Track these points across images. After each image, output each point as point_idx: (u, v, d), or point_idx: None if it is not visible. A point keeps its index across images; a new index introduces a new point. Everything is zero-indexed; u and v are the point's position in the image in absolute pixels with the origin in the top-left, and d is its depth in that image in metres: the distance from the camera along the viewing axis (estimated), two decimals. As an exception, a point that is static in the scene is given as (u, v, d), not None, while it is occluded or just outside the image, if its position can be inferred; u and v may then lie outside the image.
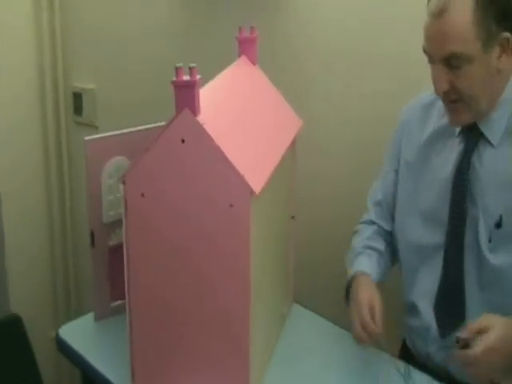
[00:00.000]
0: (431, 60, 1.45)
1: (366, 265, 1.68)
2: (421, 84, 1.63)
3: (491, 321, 1.34)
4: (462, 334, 1.34)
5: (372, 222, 1.78)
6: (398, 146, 1.69)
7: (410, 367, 1.57)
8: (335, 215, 2.09)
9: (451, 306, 1.54)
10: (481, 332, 1.32)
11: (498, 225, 1.46)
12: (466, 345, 1.33)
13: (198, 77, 1.35)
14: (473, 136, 1.51)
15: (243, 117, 1.56)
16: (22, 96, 2.44)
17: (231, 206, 1.39)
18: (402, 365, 1.58)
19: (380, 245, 1.73)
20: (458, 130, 1.55)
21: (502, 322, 1.33)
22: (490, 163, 1.49)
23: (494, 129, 1.48)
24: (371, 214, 1.78)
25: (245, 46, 1.73)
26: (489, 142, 1.49)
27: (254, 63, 1.75)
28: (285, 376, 1.63)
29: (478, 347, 1.30)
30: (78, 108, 2.53)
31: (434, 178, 1.59)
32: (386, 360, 1.61)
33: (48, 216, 2.59)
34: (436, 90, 1.46)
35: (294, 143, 1.74)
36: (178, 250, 1.45)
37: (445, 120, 1.58)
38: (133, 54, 2.36)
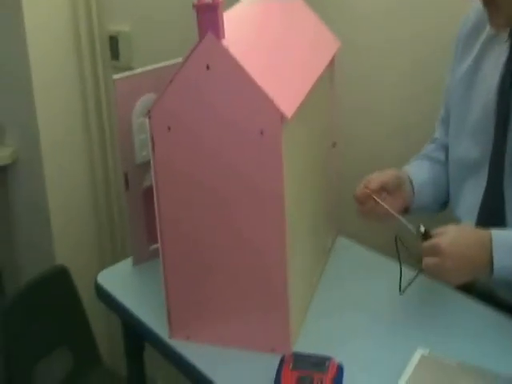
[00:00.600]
0: None
1: (411, 167, 1.66)
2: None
3: (448, 226, 1.38)
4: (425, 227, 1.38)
5: (435, 139, 1.73)
6: (455, 58, 1.62)
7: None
8: (383, 145, 1.97)
9: (493, 221, 1.46)
10: (439, 234, 1.36)
11: None
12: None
13: (221, -2, 1.25)
14: None
15: (273, 39, 1.46)
16: (58, 43, 2.38)
17: (262, 133, 1.29)
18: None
19: (439, 155, 1.68)
20: (505, 35, 1.45)
21: (456, 228, 1.39)
22: None
23: None
24: (436, 132, 1.72)
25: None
26: None
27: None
28: (327, 317, 1.55)
29: (432, 241, 1.35)
30: (114, 52, 2.45)
31: (483, 87, 1.50)
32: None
33: (90, 163, 2.54)
34: None
35: (332, 65, 1.64)
36: (207, 186, 1.37)
37: None
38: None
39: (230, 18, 1.33)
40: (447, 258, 1.33)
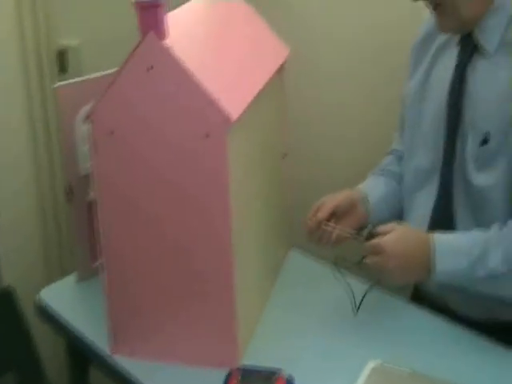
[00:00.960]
0: None
1: (366, 184, 1.63)
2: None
3: (393, 226, 1.37)
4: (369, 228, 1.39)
5: (393, 150, 1.70)
6: (409, 69, 1.61)
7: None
8: (338, 152, 1.94)
9: (442, 229, 1.44)
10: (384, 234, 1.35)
11: (485, 141, 1.36)
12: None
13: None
14: (468, 45, 1.41)
15: (219, 42, 1.43)
16: (3, 57, 2.31)
17: (206, 136, 1.25)
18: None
19: (395, 168, 1.66)
20: (455, 42, 1.44)
21: (401, 229, 1.38)
22: (483, 75, 1.39)
23: (488, 37, 1.37)
24: (393, 143, 1.71)
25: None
26: (484, 53, 1.37)
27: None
28: (278, 329, 1.50)
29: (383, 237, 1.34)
30: (63, 67, 2.39)
31: (434, 96, 1.48)
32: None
33: (36, 177, 2.45)
34: None
35: (281, 73, 1.60)
36: (150, 193, 1.32)
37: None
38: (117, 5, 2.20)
39: (175, 20, 1.29)
40: (390, 257, 1.32)
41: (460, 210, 1.44)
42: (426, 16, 1.53)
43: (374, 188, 1.61)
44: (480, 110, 1.37)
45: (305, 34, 1.87)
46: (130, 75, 1.27)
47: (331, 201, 1.51)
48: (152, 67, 1.25)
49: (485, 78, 1.37)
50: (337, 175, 1.91)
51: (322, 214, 1.48)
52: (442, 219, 1.48)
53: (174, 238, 1.33)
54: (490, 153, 1.35)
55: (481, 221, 1.40)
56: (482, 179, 1.37)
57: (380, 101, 1.86)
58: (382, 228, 1.38)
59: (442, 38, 1.49)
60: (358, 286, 1.51)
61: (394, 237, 1.34)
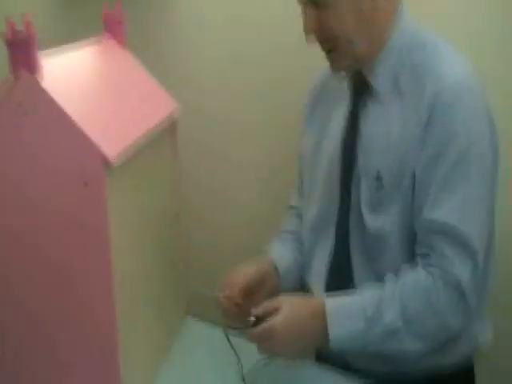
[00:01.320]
0: (300, 3, 1.33)
1: (273, 252, 1.55)
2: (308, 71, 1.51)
3: (280, 301, 1.29)
4: (257, 310, 1.29)
5: (291, 207, 1.65)
6: (304, 124, 1.58)
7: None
8: (235, 212, 1.87)
9: (341, 282, 1.40)
10: (272, 313, 1.27)
11: (376, 182, 1.32)
12: (259, 321, 1.28)
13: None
14: (360, 92, 1.39)
15: (100, 87, 1.34)
16: None
17: (85, 184, 1.15)
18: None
19: (296, 227, 1.60)
20: (347, 89, 1.40)
21: (288, 302, 1.29)
22: (375, 117, 1.35)
23: (380, 79, 1.34)
24: (291, 199, 1.66)
25: (109, 25, 1.53)
26: (376, 99, 1.35)
27: (121, 44, 1.54)
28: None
29: (263, 326, 1.26)
30: None
31: (328, 146, 1.45)
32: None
33: None
34: (306, 32, 1.32)
35: (172, 127, 1.53)
36: (29, 246, 1.21)
37: (336, 84, 1.46)
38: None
39: (51, 62, 1.21)
40: (281, 339, 1.25)
41: (356, 259, 1.39)
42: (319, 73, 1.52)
43: (281, 257, 1.54)
44: (372, 152, 1.34)
45: (195, 89, 1.81)
46: (2, 118, 1.17)
47: (240, 277, 1.43)
48: (25, 107, 1.16)
49: (377, 121, 1.34)
50: (233, 236, 1.83)
51: (232, 291, 1.40)
52: (340, 272, 1.43)
53: (61, 296, 1.22)
54: (383, 195, 1.31)
55: (377, 268, 1.35)
56: (376, 222, 1.33)
57: (277, 155, 1.81)
58: (268, 307, 1.29)
59: (335, 91, 1.47)
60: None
61: (282, 316, 1.26)
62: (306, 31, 1.32)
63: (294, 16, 1.62)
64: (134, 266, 1.30)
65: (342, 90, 1.44)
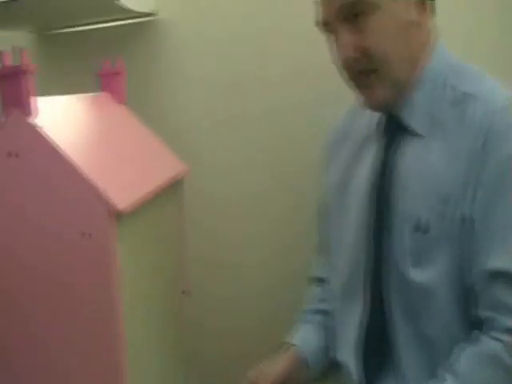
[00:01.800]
0: (331, 28, 1.16)
1: (298, 340, 1.33)
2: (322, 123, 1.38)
3: None
4: None
5: (314, 279, 1.43)
6: (323, 174, 1.39)
7: None
8: (247, 293, 1.69)
9: (379, 351, 1.19)
10: None
11: (419, 232, 1.13)
12: None
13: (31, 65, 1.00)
14: (392, 128, 1.21)
15: (102, 142, 1.19)
16: None
17: (83, 234, 0.98)
18: None
19: (321, 304, 1.38)
20: (377, 126, 1.24)
21: None
22: (412, 159, 1.16)
23: (416, 116, 1.16)
24: (313, 268, 1.44)
25: (108, 81, 1.39)
26: (412, 134, 1.17)
27: (120, 101, 1.40)
28: None
29: None
30: None
31: (356, 187, 1.25)
32: None
33: None
34: (344, 62, 1.16)
35: (178, 189, 1.38)
36: (25, 305, 1.03)
37: (365, 124, 1.27)
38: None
39: (51, 108, 1.07)
40: None
41: (396, 322, 1.17)
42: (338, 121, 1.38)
43: (308, 346, 1.34)
44: (411, 195, 1.15)
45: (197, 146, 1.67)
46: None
47: (269, 376, 1.25)
48: (16, 152, 1.00)
49: (414, 158, 1.15)
50: (244, 314, 1.65)
51: None
52: (376, 338, 1.21)
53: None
54: (427, 245, 1.13)
55: (422, 331, 1.14)
56: (419, 277, 1.13)
57: (292, 225, 1.64)
58: None
59: (359, 133, 1.31)
60: None
61: None
62: (344, 61, 1.16)
63: (304, 70, 1.53)
64: (141, 340, 1.11)
65: (372, 127, 1.28)
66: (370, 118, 1.27)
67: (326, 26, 1.17)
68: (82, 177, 0.97)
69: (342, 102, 1.34)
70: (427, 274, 1.12)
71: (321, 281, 1.43)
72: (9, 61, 0.99)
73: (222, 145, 1.64)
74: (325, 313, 1.38)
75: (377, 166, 1.21)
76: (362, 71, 1.15)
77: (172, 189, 1.33)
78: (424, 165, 1.14)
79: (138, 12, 1.57)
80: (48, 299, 1.01)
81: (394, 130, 1.20)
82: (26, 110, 0.99)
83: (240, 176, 1.64)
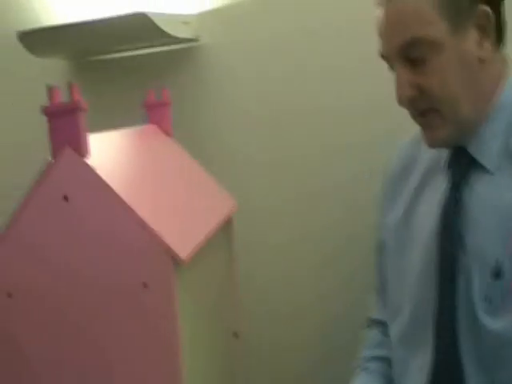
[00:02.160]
0: (390, 64, 1.08)
1: None
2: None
3: None
4: None
5: (373, 322, 1.33)
6: (382, 212, 1.28)
7: None
8: (300, 332, 1.59)
9: None
10: None
11: (497, 275, 1.03)
12: None
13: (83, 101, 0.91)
14: (461, 163, 1.11)
15: (157, 180, 1.11)
16: None
17: (145, 285, 0.89)
18: None
19: (380, 350, 1.28)
20: (444, 160, 1.14)
21: None
22: (484, 196, 1.07)
23: (486, 149, 1.07)
24: (372, 311, 1.34)
25: (154, 112, 1.31)
26: (483, 169, 1.08)
27: (167, 133, 1.32)
28: None
29: None
30: None
31: (421, 231, 1.16)
32: None
33: None
34: (399, 101, 1.07)
35: (228, 227, 1.29)
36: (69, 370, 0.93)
37: (430, 156, 1.18)
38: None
39: (100, 146, 0.99)
40: None
41: (469, 372, 1.07)
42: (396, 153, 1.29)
43: None
44: (485, 234, 1.06)
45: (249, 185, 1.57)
46: (37, 212, 0.92)
47: None
48: (69, 195, 0.91)
49: (486, 194, 1.06)
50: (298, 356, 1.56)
51: None
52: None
53: None
54: (506, 289, 1.03)
55: (500, 380, 1.05)
56: (496, 324, 1.03)
57: (344, 266, 1.55)
58: None
59: (422, 165, 1.22)
60: None
61: None
62: (401, 102, 1.08)
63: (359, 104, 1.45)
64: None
65: (437, 160, 1.18)
66: (435, 150, 1.18)
67: (386, 60, 1.09)
68: (143, 223, 0.89)
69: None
70: (505, 322, 1.03)
71: (380, 324, 1.33)
72: (59, 97, 0.91)
73: (271, 182, 1.55)
74: (384, 360, 1.28)
75: (445, 202, 1.12)
76: (424, 111, 1.07)
77: (223, 228, 1.24)
78: (498, 200, 1.05)
79: (180, 38, 1.49)
80: (108, 351, 0.93)
81: (461, 164, 1.11)
82: (81, 149, 0.90)
83: (288, 217, 1.55)
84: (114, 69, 1.63)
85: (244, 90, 1.54)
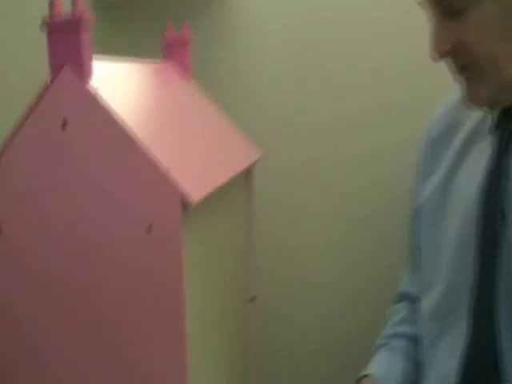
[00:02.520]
0: (429, 12, 0.96)
1: (378, 365, 1.14)
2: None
3: None
4: None
5: (402, 296, 1.24)
6: (420, 178, 1.18)
7: None
8: (321, 300, 1.47)
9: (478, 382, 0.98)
10: None
11: None
12: None
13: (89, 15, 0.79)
14: (507, 128, 0.99)
15: (170, 119, 0.99)
16: None
17: (149, 228, 0.78)
18: None
19: (410, 327, 1.18)
20: (489, 124, 1.02)
21: None
22: None
23: None
24: (402, 283, 1.25)
25: (173, 49, 1.19)
26: None
27: (186, 73, 1.20)
28: None
29: None
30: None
31: (458, 203, 1.04)
32: None
33: None
34: (434, 54, 0.95)
35: (249, 178, 1.17)
36: (79, 302, 0.83)
37: (475, 119, 1.07)
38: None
39: (109, 70, 0.87)
40: None
41: (507, 351, 0.97)
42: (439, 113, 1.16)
43: (390, 378, 1.14)
44: None
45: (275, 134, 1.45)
46: (29, 139, 0.81)
47: None
48: (65, 123, 0.80)
49: None
50: (322, 333, 1.45)
51: None
52: (480, 368, 0.99)
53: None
54: None
55: None
56: None
57: (373, 234, 1.43)
58: None
59: (466, 128, 1.09)
60: None
61: None
62: (438, 53, 0.96)
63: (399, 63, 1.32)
64: (203, 355, 0.91)
65: (481, 122, 1.06)
66: (480, 112, 1.06)
67: (423, 7, 0.97)
68: (149, 158, 0.77)
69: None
70: None
71: (409, 298, 1.23)
72: (60, 9, 0.79)
73: (294, 135, 1.43)
74: (409, 337, 1.18)
75: (488, 170, 1.00)
76: (463, 66, 0.95)
77: (243, 178, 1.13)
78: None
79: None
80: (104, 300, 0.82)
81: (507, 129, 0.99)
82: (82, 70, 0.79)
83: (317, 174, 1.43)
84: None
85: (272, 41, 1.41)
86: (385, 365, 1.15)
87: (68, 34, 0.78)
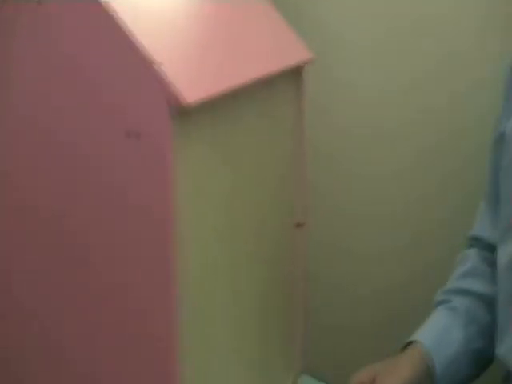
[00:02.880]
0: None
1: (431, 330, 0.99)
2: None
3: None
4: None
5: (474, 241, 1.07)
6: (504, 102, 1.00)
7: None
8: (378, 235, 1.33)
9: None
10: None
11: None
12: None
13: None
14: None
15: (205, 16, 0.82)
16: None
17: (128, 134, 0.64)
18: None
19: (477, 282, 1.02)
20: None
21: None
22: None
23: None
24: (474, 228, 1.08)
25: None
26: None
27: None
28: None
29: None
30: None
31: None
32: None
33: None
34: None
35: (298, 81, 1.00)
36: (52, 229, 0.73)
37: None
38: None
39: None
40: None
41: None
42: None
43: (444, 353, 0.98)
44: None
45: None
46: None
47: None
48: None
49: None
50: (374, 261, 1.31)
51: None
52: None
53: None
54: None
55: None
56: None
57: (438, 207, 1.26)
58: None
59: None
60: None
61: None
62: None
63: None
64: (220, 293, 0.79)
65: None
66: None
67: None
68: (135, 47, 0.62)
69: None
70: None
71: (482, 243, 1.06)
72: None
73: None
74: (473, 294, 1.02)
75: None
76: None
77: (286, 81, 0.96)
78: None
79: None
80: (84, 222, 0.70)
81: None
82: None
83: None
84: None
85: None
86: (439, 331, 0.99)
87: None
